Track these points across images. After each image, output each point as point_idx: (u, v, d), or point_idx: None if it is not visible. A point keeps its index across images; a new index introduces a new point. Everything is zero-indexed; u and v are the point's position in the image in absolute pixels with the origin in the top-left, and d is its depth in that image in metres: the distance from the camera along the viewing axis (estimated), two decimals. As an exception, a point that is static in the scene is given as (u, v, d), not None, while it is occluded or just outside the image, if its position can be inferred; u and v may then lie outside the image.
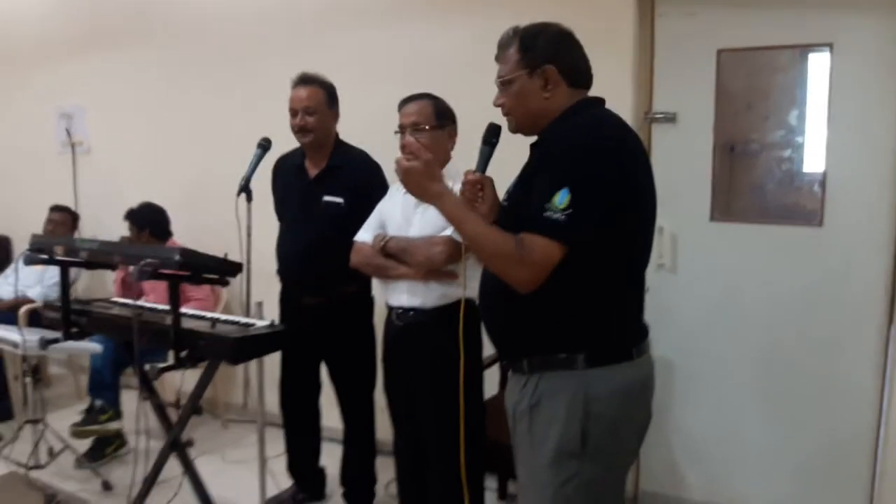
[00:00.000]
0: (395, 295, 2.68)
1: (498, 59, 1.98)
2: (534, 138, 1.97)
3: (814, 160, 2.96)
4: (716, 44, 3.03)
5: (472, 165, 2.12)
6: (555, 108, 1.90)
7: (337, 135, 3.17)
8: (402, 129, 2.66)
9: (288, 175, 3.20)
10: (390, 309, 2.74)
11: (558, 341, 1.85)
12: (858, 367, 2.91)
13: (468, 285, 2.39)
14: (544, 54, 1.89)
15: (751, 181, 3.10)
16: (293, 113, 3.04)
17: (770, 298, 3.03)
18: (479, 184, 2.06)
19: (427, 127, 2.63)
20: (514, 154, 2.00)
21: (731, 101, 3.07)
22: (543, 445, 1.86)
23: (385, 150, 2.84)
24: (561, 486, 1.84)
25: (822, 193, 2.93)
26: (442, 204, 1.93)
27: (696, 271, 3.16)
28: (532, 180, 1.85)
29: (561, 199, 1.71)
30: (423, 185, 1.95)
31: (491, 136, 2.09)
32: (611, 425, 1.84)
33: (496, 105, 1.99)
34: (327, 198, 3.04)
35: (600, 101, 1.96)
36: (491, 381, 3.00)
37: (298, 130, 3.04)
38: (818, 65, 2.91)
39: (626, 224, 1.80)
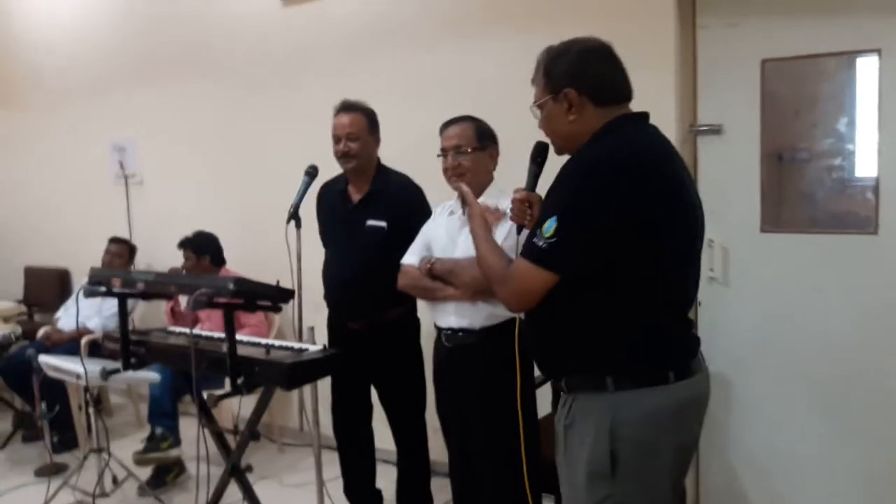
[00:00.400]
0: (443, 316, 2.69)
1: (533, 81, 1.99)
2: None
3: (865, 166, 2.90)
4: (760, 54, 3.00)
5: (521, 184, 2.13)
6: (584, 129, 1.87)
7: (379, 160, 3.21)
8: (444, 152, 2.70)
9: (332, 201, 3.25)
10: (439, 330, 2.75)
11: (589, 362, 1.85)
12: (921, 376, 2.83)
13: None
14: (564, 77, 1.87)
15: (801, 190, 3.05)
16: (336, 139, 3.09)
17: (826, 308, 2.96)
18: (526, 201, 2.08)
19: (469, 149, 2.66)
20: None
21: (777, 110, 3.03)
22: (577, 466, 1.87)
23: (430, 172, 2.87)
24: None
25: (875, 200, 2.86)
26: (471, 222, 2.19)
27: (749, 283, 3.12)
28: (544, 204, 1.90)
29: (549, 226, 1.75)
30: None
31: (538, 155, 2.11)
32: (641, 449, 1.81)
33: (539, 128, 2.01)
34: (370, 222, 3.07)
35: (637, 117, 1.92)
36: (544, 399, 2.98)
37: (342, 156, 3.09)
38: (866, 70, 2.86)
39: (643, 247, 1.76)
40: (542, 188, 2.09)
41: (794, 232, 3.04)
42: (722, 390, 3.13)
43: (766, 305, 3.09)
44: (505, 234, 2.46)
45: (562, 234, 1.73)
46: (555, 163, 2.05)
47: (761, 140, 3.04)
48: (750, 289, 3.12)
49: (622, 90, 1.92)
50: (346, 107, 3.12)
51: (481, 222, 2.17)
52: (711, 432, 3.20)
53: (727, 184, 3.09)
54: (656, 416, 1.82)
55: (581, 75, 1.86)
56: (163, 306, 4.64)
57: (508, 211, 2.16)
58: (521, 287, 1.83)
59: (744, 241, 3.10)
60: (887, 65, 2.79)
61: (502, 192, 2.57)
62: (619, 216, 1.73)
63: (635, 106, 1.95)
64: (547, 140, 2.04)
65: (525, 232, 2.17)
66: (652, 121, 1.95)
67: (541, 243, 1.76)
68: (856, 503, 2.99)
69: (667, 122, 2.98)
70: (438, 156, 2.71)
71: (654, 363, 1.84)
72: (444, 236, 2.73)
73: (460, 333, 2.65)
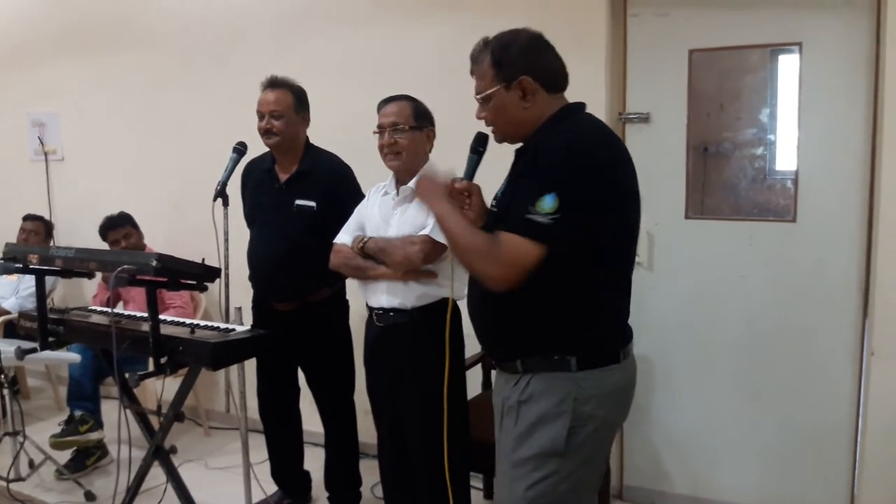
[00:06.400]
0: (374, 296, 2.68)
1: (473, 73, 2.00)
2: (519, 144, 1.99)
3: (786, 158, 3.00)
4: (688, 44, 3.07)
5: (455, 168, 2.13)
6: (536, 116, 1.92)
7: (307, 139, 3.16)
8: (381, 128, 2.68)
9: (258, 180, 3.18)
10: (370, 310, 2.74)
11: (552, 343, 1.87)
12: (835, 357, 2.95)
13: (451, 285, 2.42)
14: (518, 66, 1.89)
15: (724, 179, 3.14)
16: (260, 116, 3.03)
17: (746, 293, 3.06)
18: (466, 191, 2.08)
19: (406, 127, 2.64)
20: (502, 160, 2.03)
21: (703, 100, 3.10)
22: (528, 441, 1.88)
23: (362, 152, 2.85)
24: (538, 482, 1.87)
25: (794, 190, 2.97)
26: (432, 204, 1.98)
27: (673, 268, 3.20)
28: (518, 185, 1.87)
29: (548, 203, 1.73)
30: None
31: (478, 146, 2.11)
32: (597, 426, 1.88)
33: (478, 118, 2.01)
34: (299, 202, 3.02)
35: (582, 106, 1.98)
36: (474, 380, 3.01)
37: (264, 133, 3.03)
38: (788, 65, 2.95)
39: (613, 227, 1.84)
40: (479, 178, 2.11)
41: (717, 218, 3.13)
42: (646, 372, 3.21)
43: (690, 289, 3.17)
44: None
45: (565, 210, 1.72)
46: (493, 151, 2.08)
47: (687, 129, 3.11)
48: (674, 273, 3.19)
49: (565, 78, 1.98)
50: (273, 83, 3.06)
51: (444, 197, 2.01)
52: (635, 413, 3.26)
53: (653, 171, 3.13)
54: (615, 395, 1.92)
55: (534, 62, 1.91)
56: (85, 286, 4.51)
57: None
58: (519, 265, 1.75)
59: (669, 228, 3.18)
60: (807, 59, 2.89)
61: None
62: (609, 191, 1.79)
63: (566, 92, 1.99)
64: (486, 130, 2.05)
65: None
66: (582, 107, 2.02)
67: (541, 219, 1.72)
68: (771, 481, 3.11)
69: (597, 110, 2.96)
70: (375, 132, 2.69)
71: (611, 343, 1.91)
72: (377, 216, 2.72)
73: (392, 313, 2.65)
